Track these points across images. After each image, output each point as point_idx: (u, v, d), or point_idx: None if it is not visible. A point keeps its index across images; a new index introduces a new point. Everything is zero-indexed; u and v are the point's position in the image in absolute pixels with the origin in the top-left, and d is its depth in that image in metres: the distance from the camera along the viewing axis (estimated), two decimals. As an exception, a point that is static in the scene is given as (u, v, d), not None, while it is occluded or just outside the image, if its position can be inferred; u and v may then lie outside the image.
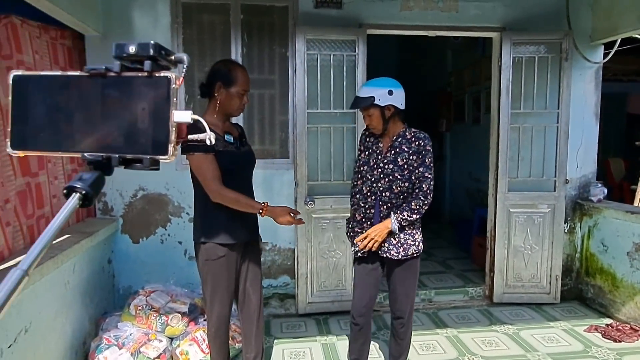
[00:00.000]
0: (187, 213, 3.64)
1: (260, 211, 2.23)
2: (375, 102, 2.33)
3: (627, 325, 3.51)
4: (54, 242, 2.40)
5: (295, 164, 3.71)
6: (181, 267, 3.65)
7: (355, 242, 2.47)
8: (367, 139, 2.53)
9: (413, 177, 2.39)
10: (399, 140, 2.42)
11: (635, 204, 4.91)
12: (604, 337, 3.40)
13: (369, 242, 2.37)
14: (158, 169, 0.80)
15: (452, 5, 3.86)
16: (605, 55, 4.07)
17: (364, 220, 2.49)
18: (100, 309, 3.32)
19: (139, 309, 3.02)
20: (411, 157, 2.39)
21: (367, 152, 2.51)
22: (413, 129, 2.46)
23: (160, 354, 2.83)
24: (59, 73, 0.80)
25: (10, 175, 2.47)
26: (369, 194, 2.46)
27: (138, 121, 0.78)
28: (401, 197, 2.40)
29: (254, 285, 2.50)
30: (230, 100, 2.28)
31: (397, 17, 3.80)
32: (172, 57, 0.81)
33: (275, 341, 3.37)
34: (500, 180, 3.97)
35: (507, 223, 3.98)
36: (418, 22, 3.84)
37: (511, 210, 3.98)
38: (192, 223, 2.39)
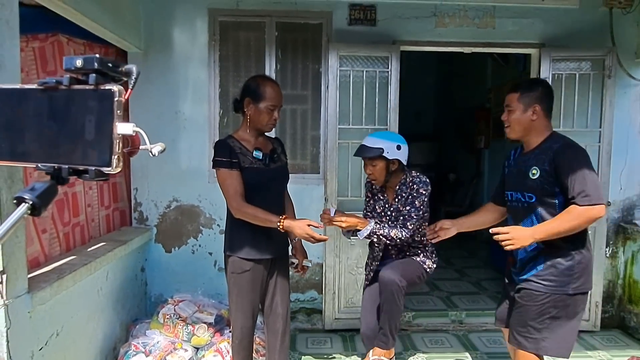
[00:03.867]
0: (218, 225, 3.71)
1: (278, 225, 2.20)
2: (384, 154, 2.38)
3: (672, 358, 3.30)
4: (88, 249, 2.49)
5: (325, 179, 3.73)
6: (210, 278, 3.71)
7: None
8: (373, 186, 2.63)
9: (407, 218, 2.52)
10: (401, 188, 2.53)
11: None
12: (646, 370, 3.20)
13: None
14: (106, 179, 0.82)
15: (489, 21, 3.81)
16: (653, 72, 3.89)
17: (373, 258, 2.70)
18: (132, 316, 3.42)
19: (167, 318, 3.09)
20: (407, 202, 2.54)
21: (373, 199, 2.63)
22: (413, 173, 2.53)
23: (185, 363, 2.88)
24: (15, 86, 0.83)
25: (49, 185, 2.60)
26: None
27: (85, 133, 0.80)
28: (409, 239, 2.50)
29: (281, 301, 2.50)
30: (259, 115, 2.30)
31: (432, 33, 3.78)
32: (122, 69, 0.84)
33: (301, 357, 3.36)
34: (536, 201, 3.83)
35: (543, 245, 3.83)
36: (453, 39, 3.81)
37: (548, 231, 3.83)
38: (223, 234, 2.46)
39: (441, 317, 4.02)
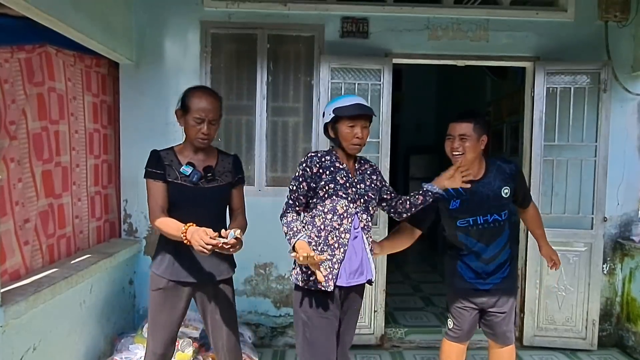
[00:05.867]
0: (208, 237, 3.67)
1: (182, 236, 1.96)
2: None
3: (671, 380, 3.21)
4: (72, 262, 2.42)
5: (316, 191, 3.68)
6: (199, 291, 3.66)
7: None
8: (323, 159, 2.17)
9: (383, 196, 2.35)
10: (360, 162, 2.31)
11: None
12: (643, 392, 3.11)
13: None
14: None
15: (482, 34, 3.78)
16: (649, 86, 3.84)
17: (337, 245, 2.11)
18: (119, 329, 3.37)
19: (152, 332, 3.03)
20: (372, 176, 2.30)
21: (328, 171, 2.15)
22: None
23: (168, 379, 2.82)
24: None
25: (32, 197, 2.58)
26: (345, 214, 2.12)
27: None
28: (371, 220, 2.26)
29: (223, 333, 2.31)
30: (188, 129, 2.16)
31: (425, 46, 3.76)
32: None
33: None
34: (531, 216, 3.77)
35: (539, 261, 3.75)
36: (446, 52, 3.78)
37: (543, 247, 3.77)
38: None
39: (435, 334, 3.93)
